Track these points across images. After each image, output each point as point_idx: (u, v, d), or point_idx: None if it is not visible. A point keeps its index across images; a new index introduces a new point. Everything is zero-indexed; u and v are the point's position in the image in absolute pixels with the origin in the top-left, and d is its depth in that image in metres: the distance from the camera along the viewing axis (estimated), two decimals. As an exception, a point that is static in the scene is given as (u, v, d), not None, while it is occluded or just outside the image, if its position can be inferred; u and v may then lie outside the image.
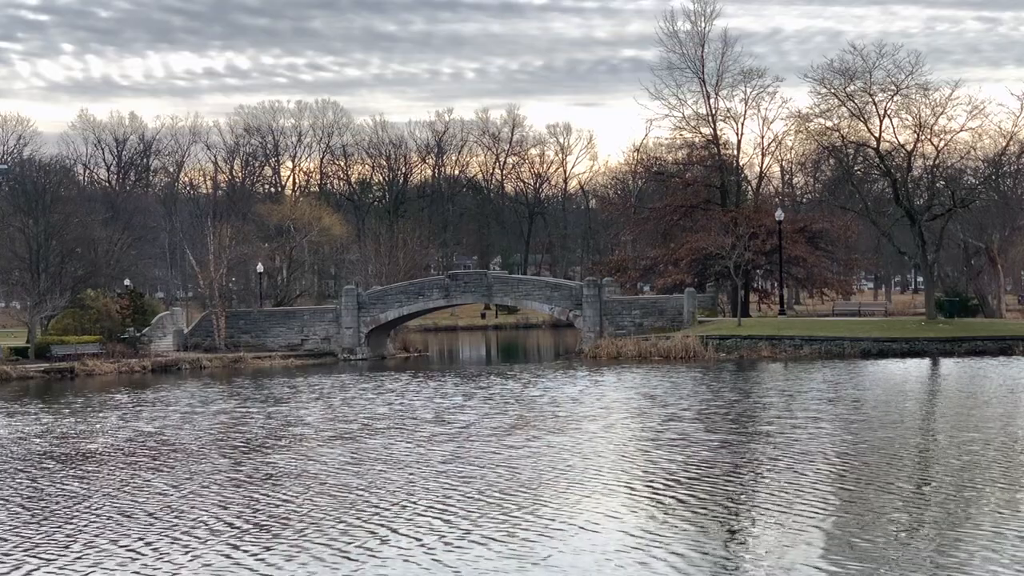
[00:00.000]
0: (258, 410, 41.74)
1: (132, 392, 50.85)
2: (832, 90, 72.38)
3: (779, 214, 77.65)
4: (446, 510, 21.98)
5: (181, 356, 68.85)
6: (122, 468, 28.60)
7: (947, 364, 55.17)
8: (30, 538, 20.63)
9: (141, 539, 20.23)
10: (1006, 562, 17.09)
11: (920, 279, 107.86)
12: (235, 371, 64.04)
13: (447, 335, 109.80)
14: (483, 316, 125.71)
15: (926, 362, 56.90)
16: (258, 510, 22.66)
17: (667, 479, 24.83)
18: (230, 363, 67.62)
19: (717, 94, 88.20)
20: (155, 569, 18.26)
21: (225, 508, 22.95)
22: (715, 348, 62.95)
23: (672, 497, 22.84)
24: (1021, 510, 20.93)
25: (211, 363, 67.11)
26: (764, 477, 24.89)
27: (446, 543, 19.33)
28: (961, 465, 25.80)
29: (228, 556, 18.90)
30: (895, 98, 71.48)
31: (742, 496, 22.94)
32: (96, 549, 19.60)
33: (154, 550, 19.42)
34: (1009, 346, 61.19)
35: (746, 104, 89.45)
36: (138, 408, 43.54)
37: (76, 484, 26.32)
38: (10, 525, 21.89)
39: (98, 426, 37.76)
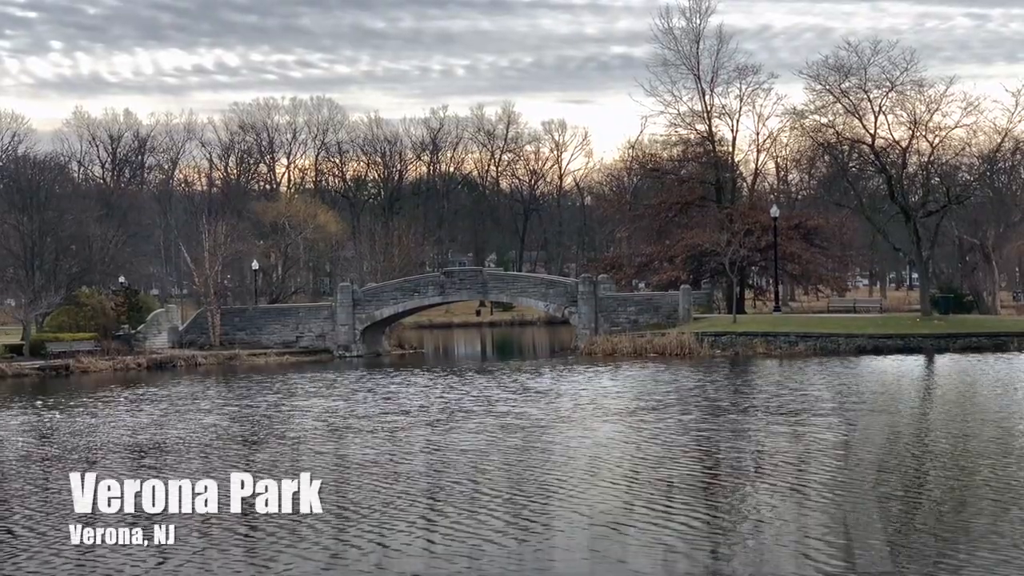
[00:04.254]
0: (299, 404, 42.00)
1: (145, 389, 50.72)
2: (827, 87, 72.39)
3: (774, 211, 77.68)
4: (548, 494, 22.67)
5: (176, 353, 68.79)
6: (195, 459, 28.98)
7: (942, 360, 55.22)
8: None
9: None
10: (1004, 560, 17.13)
11: (915, 276, 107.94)
12: (230, 368, 63.92)
13: (442, 332, 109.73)
14: (478, 313, 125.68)
15: (921, 358, 56.93)
16: (348, 496, 23.15)
17: (734, 468, 25.70)
18: (225, 360, 67.56)
19: (712, 91, 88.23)
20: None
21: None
22: (710, 345, 62.98)
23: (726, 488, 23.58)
24: (1018, 506, 20.98)
25: (206, 360, 67.06)
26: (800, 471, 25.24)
27: (565, 523, 20.12)
28: (957, 461, 25.91)
29: (339, 539, 19.49)
30: (890, 95, 71.46)
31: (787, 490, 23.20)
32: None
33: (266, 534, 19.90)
34: (1004, 342, 61.24)
35: (741, 101, 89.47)
36: (173, 403, 43.63)
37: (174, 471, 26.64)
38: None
39: (150, 420, 37.79)
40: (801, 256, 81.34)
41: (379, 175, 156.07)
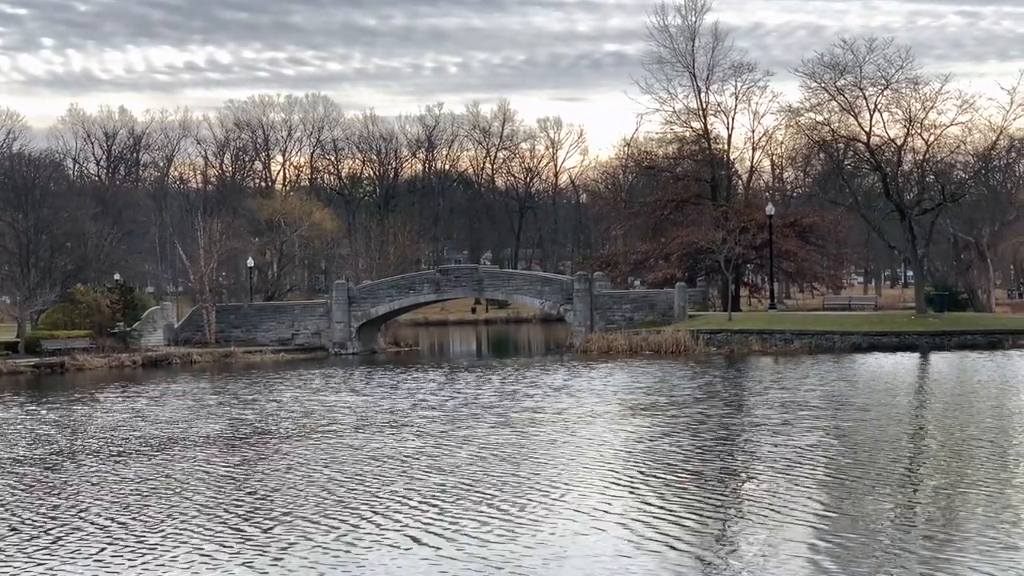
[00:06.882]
0: (325, 399, 42.28)
1: (141, 386, 50.71)
2: (822, 84, 72.46)
3: (769, 208, 77.80)
4: (593, 488, 23.38)
5: (171, 351, 68.75)
6: (236, 451, 29.50)
7: (937, 358, 55.30)
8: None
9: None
10: (1003, 559, 17.18)
11: (910, 273, 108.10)
12: (226, 366, 63.75)
13: (438, 329, 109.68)
14: (474, 311, 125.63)
15: (916, 356, 57.02)
16: (408, 488, 23.65)
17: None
18: (220, 358, 67.49)
19: (708, 88, 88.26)
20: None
21: (368, 486, 24.00)
22: (706, 342, 63.07)
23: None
24: (1013, 504, 21.03)
25: (201, 358, 66.98)
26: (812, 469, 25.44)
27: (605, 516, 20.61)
28: (954, 460, 25.98)
29: (403, 528, 20.00)
30: (885, 92, 71.56)
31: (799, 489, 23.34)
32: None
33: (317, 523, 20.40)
34: (999, 340, 61.36)
35: (736, 98, 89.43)
36: (202, 398, 43.92)
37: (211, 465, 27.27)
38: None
39: (153, 419, 37.82)
40: (796, 254, 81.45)
41: (374, 172, 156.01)
